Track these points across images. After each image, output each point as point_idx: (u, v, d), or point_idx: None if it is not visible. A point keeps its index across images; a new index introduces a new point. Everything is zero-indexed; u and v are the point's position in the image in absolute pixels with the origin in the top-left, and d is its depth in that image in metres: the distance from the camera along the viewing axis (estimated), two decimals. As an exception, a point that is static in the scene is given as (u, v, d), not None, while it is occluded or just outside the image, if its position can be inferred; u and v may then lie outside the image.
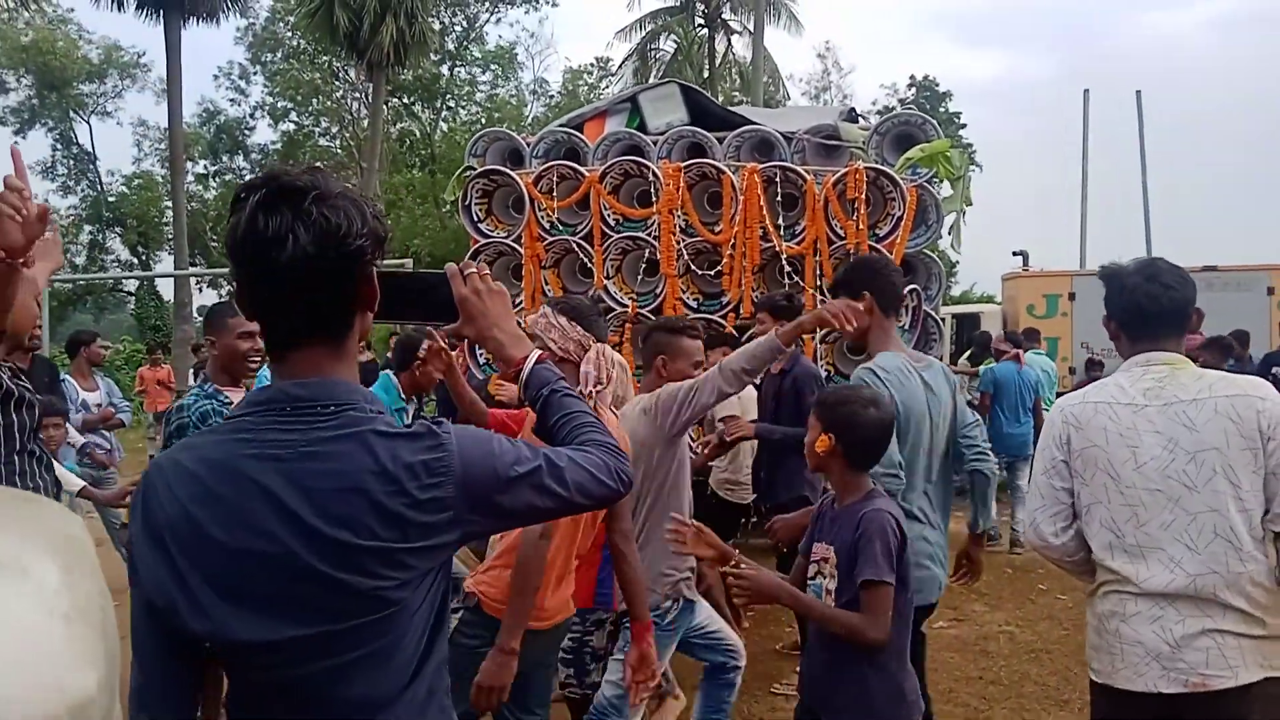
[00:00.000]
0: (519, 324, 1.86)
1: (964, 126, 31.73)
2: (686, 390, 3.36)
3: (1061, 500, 2.57)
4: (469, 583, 3.02)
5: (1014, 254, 14.50)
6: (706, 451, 5.15)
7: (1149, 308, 2.53)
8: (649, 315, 6.54)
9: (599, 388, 2.80)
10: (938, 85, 31.58)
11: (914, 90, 31.26)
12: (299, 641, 1.42)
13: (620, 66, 29.13)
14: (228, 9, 24.86)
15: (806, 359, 5.58)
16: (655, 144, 6.79)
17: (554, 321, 2.98)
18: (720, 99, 28.36)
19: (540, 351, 1.82)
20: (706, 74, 28.53)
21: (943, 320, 8.62)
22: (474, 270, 1.78)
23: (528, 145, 7.13)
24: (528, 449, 1.55)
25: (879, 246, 6.15)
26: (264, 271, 1.40)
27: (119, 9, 23.72)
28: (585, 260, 6.72)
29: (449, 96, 33.16)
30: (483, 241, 6.90)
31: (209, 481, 1.42)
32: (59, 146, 33.69)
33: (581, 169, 6.66)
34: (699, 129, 6.75)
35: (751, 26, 25.59)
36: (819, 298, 6.22)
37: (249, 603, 1.42)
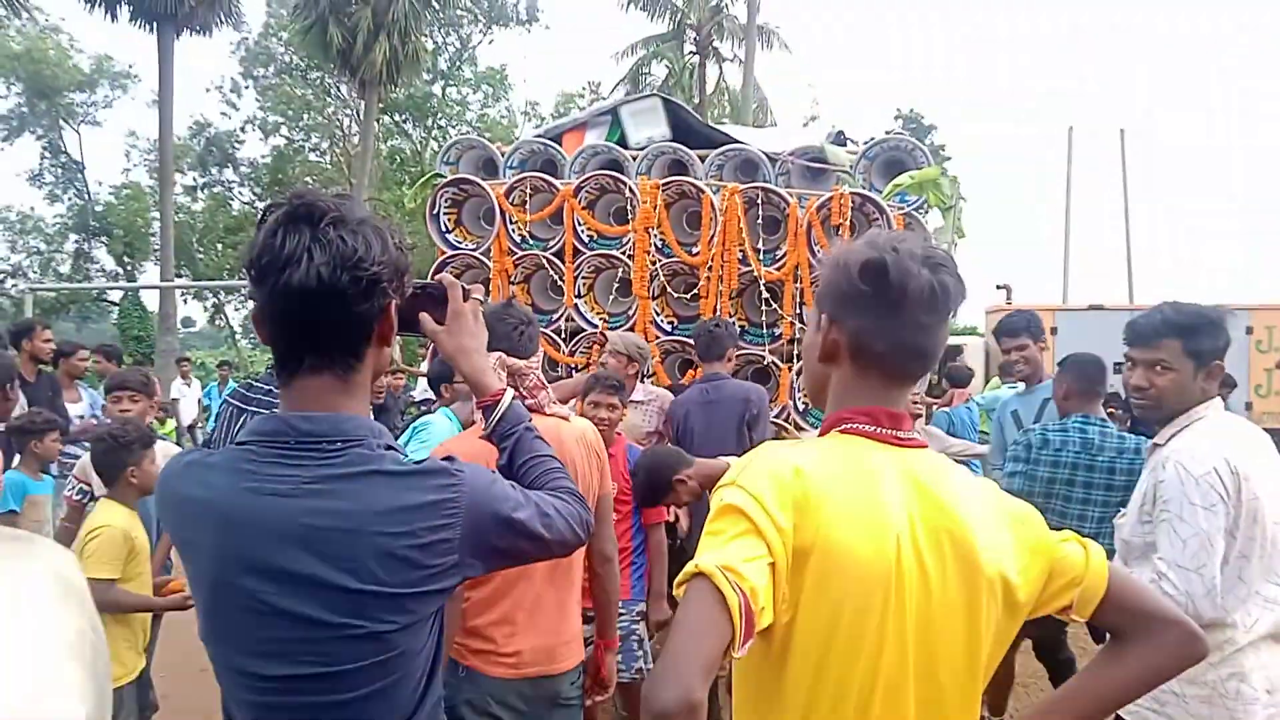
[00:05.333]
0: None
1: (949, 159, 31.72)
2: None
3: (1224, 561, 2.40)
4: None
5: (998, 287, 14.34)
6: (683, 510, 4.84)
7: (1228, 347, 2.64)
8: (620, 337, 6.25)
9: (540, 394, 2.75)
10: (923, 118, 31.59)
11: (900, 122, 31.26)
12: (292, 678, 1.37)
13: (611, 92, 29.04)
14: (221, 22, 24.66)
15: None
16: (635, 159, 6.53)
17: None
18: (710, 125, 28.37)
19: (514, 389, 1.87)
20: (697, 100, 28.45)
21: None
22: (476, 295, 1.80)
23: (502, 155, 6.86)
24: (520, 493, 1.54)
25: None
26: (277, 291, 1.36)
27: (112, 19, 23.49)
28: (556, 277, 6.43)
29: (440, 115, 33.04)
30: (450, 253, 6.60)
31: (206, 510, 1.38)
32: (47, 155, 33.41)
33: (555, 182, 6.37)
34: (681, 145, 6.48)
35: (742, 55, 25.54)
36: (796, 325, 5.95)
37: (237, 641, 1.38)
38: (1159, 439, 2.63)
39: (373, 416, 4.15)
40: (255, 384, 3.29)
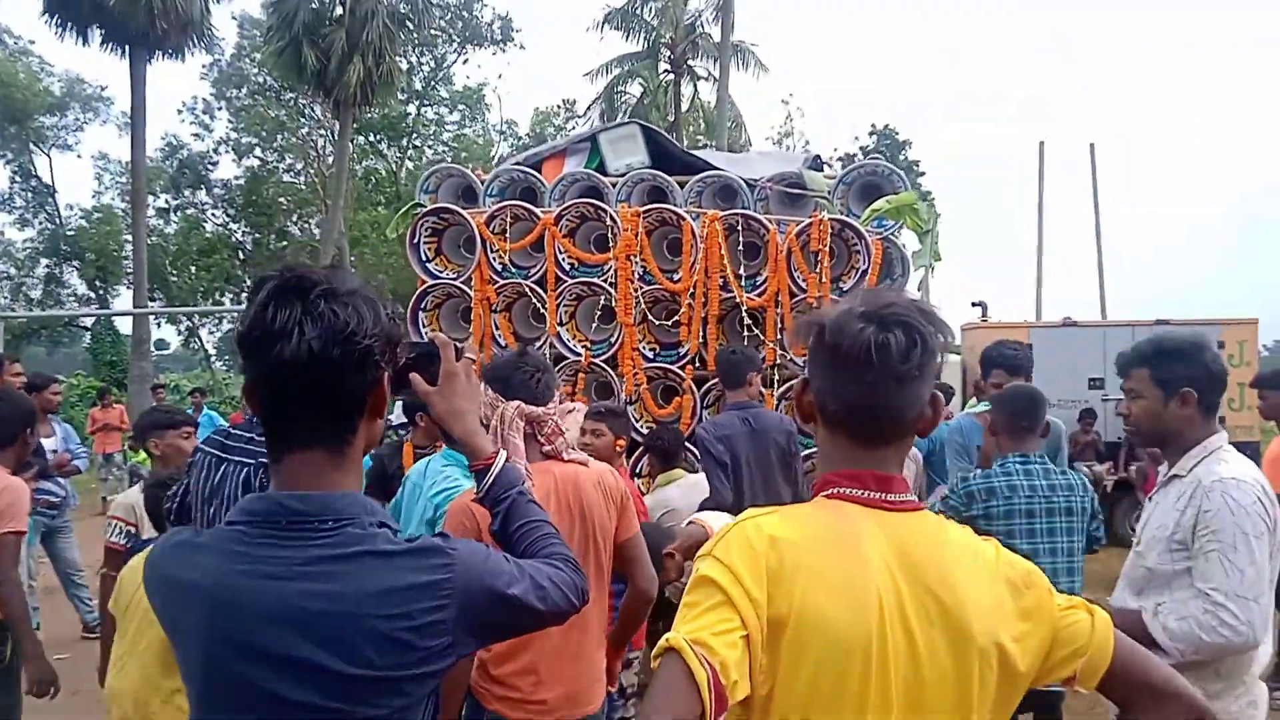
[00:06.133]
0: None
1: (923, 174, 31.95)
2: None
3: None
4: None
5: (973, 304, 14.41)
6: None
7: (1224, 383, 2.64)
8: (603, 365, 6.27)
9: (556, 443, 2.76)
10: (897, 133, 31.86)
11: (874, 138, 31.49)
12: None
13: (588, 110, 29.15)
14: (194, 45, 24.52)
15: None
16: (614, 186, 6.55)
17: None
18: (685, 143, 28.57)
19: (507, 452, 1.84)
20: (672, 118, 28.58)
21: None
22: (470, 354, 1.78)
23: (482, 183, 6.86)
24: (514, 566, 1.52)
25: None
26: (268, 366, 1.35)
27: (84, 43, 23.33)
28: (538, 305, 6.43)
29: (415, 135, 33.01)
30: (430, 282, 6.60)
31: (196, 593, 1.36)
32: (18, 179, 33.03)
33: (536, 210, 6.39)
34: (660, 172, 6.51)
35: (717, 73, 25.69)
36: (779, 351, 5.98)
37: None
38: (1179, 469, 2.63)
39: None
40: (235, 431, 3.16)
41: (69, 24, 22.61)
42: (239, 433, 3.13)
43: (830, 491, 1.48)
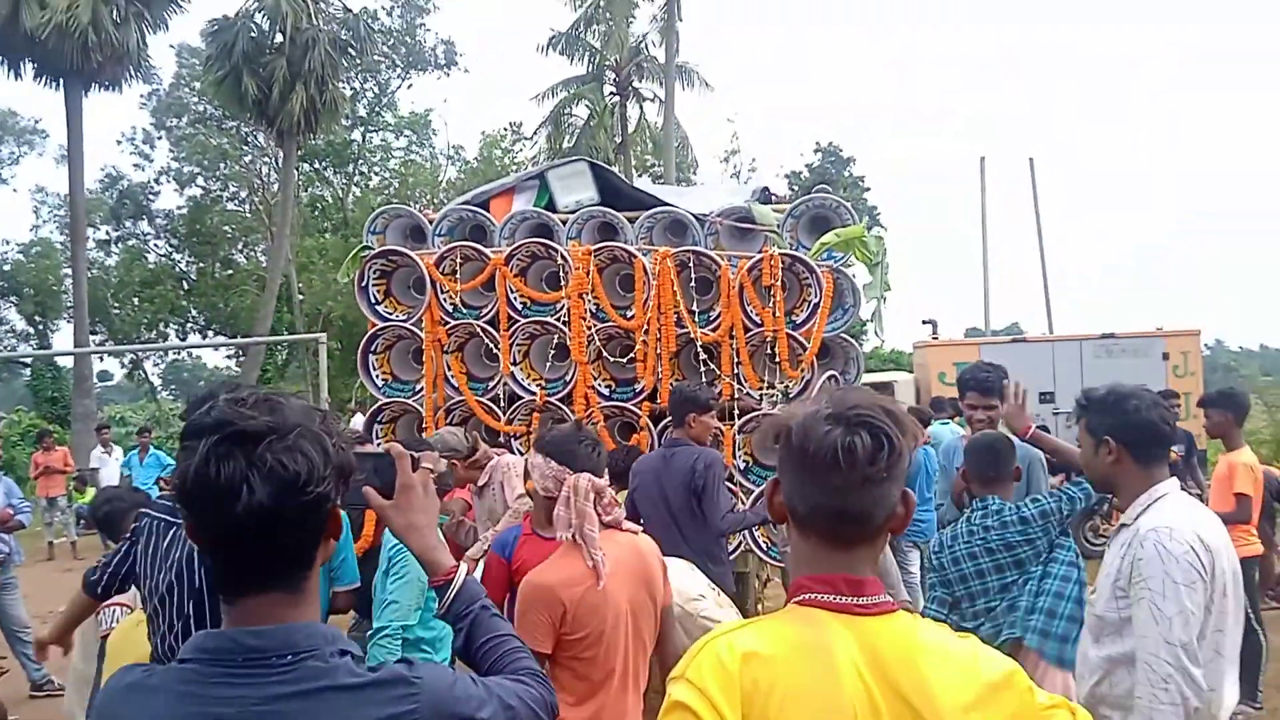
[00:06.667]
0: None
1: (868, 189, 32.31)
2: None
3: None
4: None
5: (923, 322, 14.64)
6: None
7: (1165, 431, 2.64)
8: (557, 404, 6.22)
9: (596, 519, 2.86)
10: (841, 151, 32.21)
11: (819, 155, 31.80)
12: None
13: (535, 133, 29.14)
14: (130, 76, 24.07)
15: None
16: (565, 223, 6.53)
17: (533, 461, 3.16)
18: (633, 163, 28.67)
19: (468, 563, 1.78)
20: (619, 140, 28.65)
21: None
22: (427, 464, 1.74)
23: (430, 222, 6.80)
24: (481, 688, 1.48)
25: (796, 335, 5.95)
26: (214, 522, 1.29)
27: (16, 77, 22.83)
28: (491, 345, 6.38)
29: (361, 161, 32.75)
30: (380, 325, 6.51)
31: None
32: (-49, 213, 32.29)
33: (486, 250, 6.34)
34: (609, 209, 6.51)
35: (663, 94, 25.82)
36: (735, 385, 5.99)
37: None
38: (1125, 518, 2.68)
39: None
40: None
41: (1, 57, 22.12)
42: None
43: (802, 598, 1.46)
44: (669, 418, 5.40)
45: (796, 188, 29.65)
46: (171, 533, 3.01)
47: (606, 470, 3.12)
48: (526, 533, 3.47)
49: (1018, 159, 40.44)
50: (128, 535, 3.26)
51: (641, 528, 4.13)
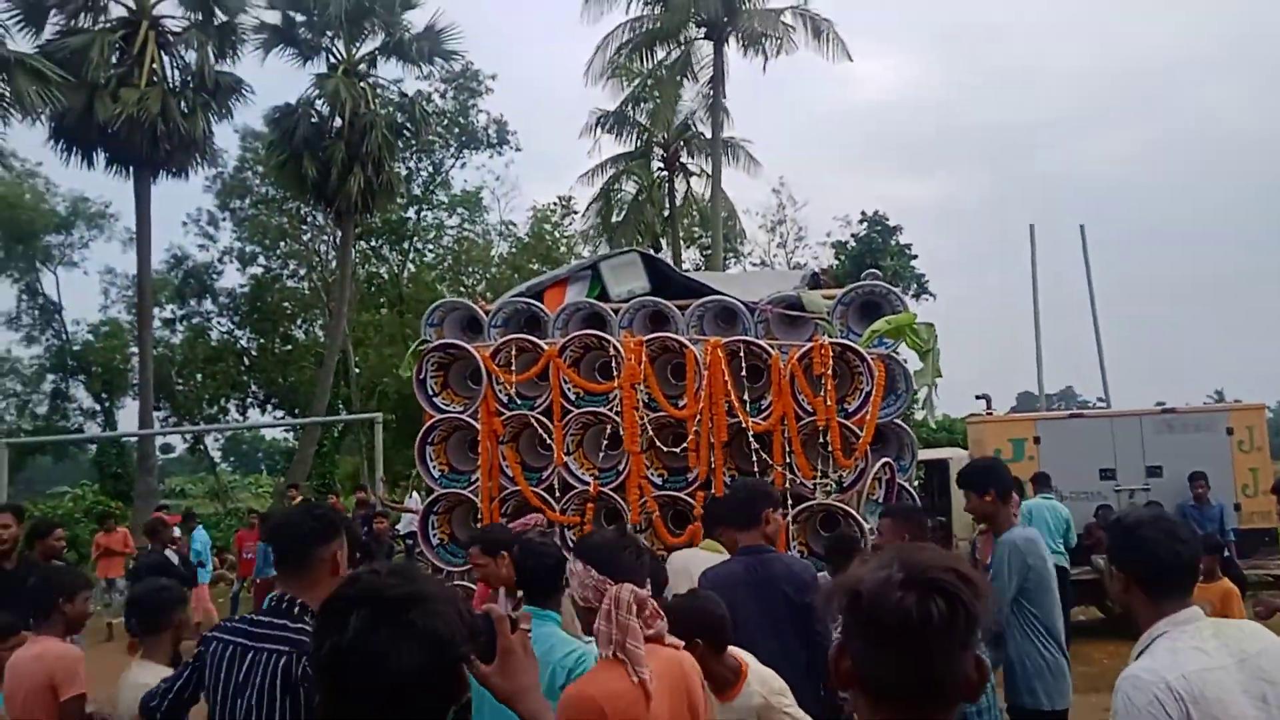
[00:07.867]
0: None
1: (915, 257, 32.15)
2: None
3: None
4: None
5: (977, 398, 14.44)
6: None
7: (1175, 563, 2.54)
8: (611, 493, 6.27)
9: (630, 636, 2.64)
10: (887, 219, 32.14)
11: (865, 225, 31.77)
12: None
13: (587, 209, 29.57)
14: (196, 163, 24.96)
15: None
16: (617, 313, 6.65)
17: (572, 568, 2.93)
18: (681, 235, 28.94)
19: None
20: (667, 213, 28.98)
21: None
22: (525, 624, 1.74)
23: (486, 314, 6.97)
24: None
25: (848, 423, 5.95)
26: (364, 690, 1.33)
27: (88, 166, 23.78)
28: (545, 435, 6.47)
29: (416, 238, 33.48)
30: (438, 416, 6.65)
31: None
32: (25, 297, 33.46)
33: (540, 342, 6.47)
34: (660, 299, 6.62)
35: (709, 169, 26.12)
36: (787, 475, 5.99)
37: None
38: (1134, 653, 2.61)
39: (359, 558, 3.90)
40: (259, 618, 2.93)
41: (74, 148, 23.09)
42: (265, 619, 2.92)
43: None
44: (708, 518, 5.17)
45: (843, 258, 29.67)
46: (249, 657, 2.82)
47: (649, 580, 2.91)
48: None
49: (1062, 219, 40.00)
50: (190, 660, 3.13)
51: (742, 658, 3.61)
